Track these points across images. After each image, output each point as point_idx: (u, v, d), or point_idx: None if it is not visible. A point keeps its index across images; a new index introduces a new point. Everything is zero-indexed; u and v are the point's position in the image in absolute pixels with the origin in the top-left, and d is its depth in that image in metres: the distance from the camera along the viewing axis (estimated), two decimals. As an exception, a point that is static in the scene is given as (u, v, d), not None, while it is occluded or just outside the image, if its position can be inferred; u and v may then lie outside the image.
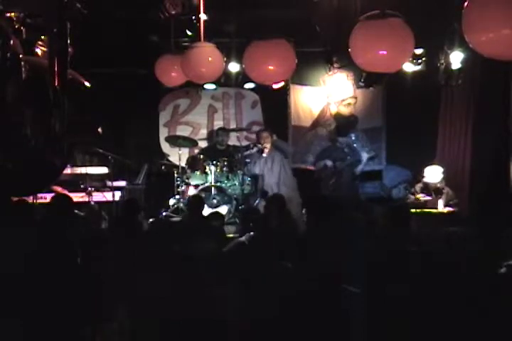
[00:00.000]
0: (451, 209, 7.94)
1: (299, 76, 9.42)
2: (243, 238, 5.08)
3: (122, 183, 9.18)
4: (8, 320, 4.16)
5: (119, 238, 5.35)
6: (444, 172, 8.23)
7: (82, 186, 8.82)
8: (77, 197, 8.51)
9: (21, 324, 4.15)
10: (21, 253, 4.39)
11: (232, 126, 10.34)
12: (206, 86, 9.43)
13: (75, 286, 4.36)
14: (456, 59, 8.15)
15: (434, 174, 8.16)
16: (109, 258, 4.85)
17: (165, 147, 10.20)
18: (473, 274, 4.06)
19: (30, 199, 7.33)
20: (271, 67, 7.02)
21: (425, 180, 8.16)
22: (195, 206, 6.41)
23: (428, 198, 8.04)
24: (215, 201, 8.95)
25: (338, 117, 9.77)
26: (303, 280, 4.51)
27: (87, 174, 8.90)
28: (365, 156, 8.86)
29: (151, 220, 7.05)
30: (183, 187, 9.13)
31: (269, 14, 8.32)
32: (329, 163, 8.75)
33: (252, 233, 5.06)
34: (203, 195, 8.88)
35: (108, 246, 5.16)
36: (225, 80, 9.03)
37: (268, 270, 4.67)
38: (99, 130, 8.42)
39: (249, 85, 9.62)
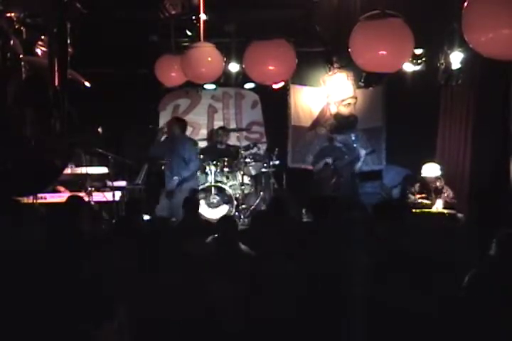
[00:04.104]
0: (450, 209, 7.93)
1: (299, 76, 9.43)
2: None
3: (122, 183, 9.18)
4: (8, 319, 4.16)
5: (120, 237, 5.35)
6: (442, 170, 8.22)
7: (82, 186, 8.82)
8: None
9: (21, 323, 4.16)
10: (23, 252, 4.40)
11: (232, 126, 10.34)
12: (206, 86, 9.45)
13: (75, 285, 4.36)
14: (455, 59, 8.16)
15: (431, 170, 8.14)
16: (109, 257, 4.85)
17: (165, 147, 10.18)
18: (471, 273, 4.06)
19: (30, 199, 7.34)
20: (271, 67, 7.03)
21: (422, 175, 8.15)
22: (191, 206, 6.43)
23: (427, 202, 8.03)
24: (215, 201, 8.95)
25: (338, 117, 9.78)
26: (303, 281, 4.51)
27: (87, 174, 8.90)
28: (363, 153, 8.82)
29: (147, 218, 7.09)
30: (183, 187, 9.13)
31: (269, 14, 8.32)
32: (329, 160, 8.71)
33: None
34: (203, 195, 8.91)
35: (109, 245, 5.16)
36: (225, 80, 9.05)
37: (268, 270, 4.68)
38: (99, 130, 8.44)
39: (249, 85, 9.63)
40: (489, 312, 3.83)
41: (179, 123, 8.89)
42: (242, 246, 4.96)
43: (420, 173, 8.26)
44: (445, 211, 7.86)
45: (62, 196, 8.04)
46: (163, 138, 8.81)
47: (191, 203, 6.65)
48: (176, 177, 8.40)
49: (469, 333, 3.89)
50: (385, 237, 4.75)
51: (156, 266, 4.63)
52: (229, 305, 4.46)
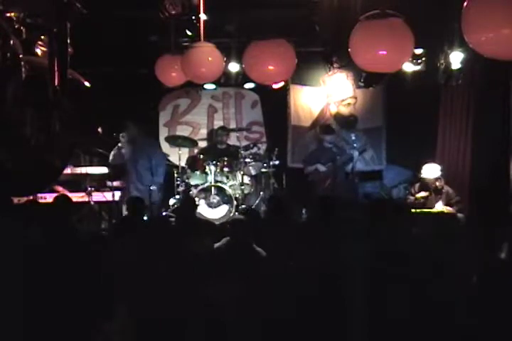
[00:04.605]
0: (450, 208, 7.93)
1: (299, 76, 9.42)
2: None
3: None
4: (9, 319, 4.16)
5: (122, 237, 5.36)
6: (442, 170, 8.22)
7: (82, 186, 8.83)
8: (77, 197, 8.52)
9: (22, 323, 4.16)
10: (22, 253, 4.40)
11: (232, 125, 10.33)
12: (206, 86, 9.45)
13: (75, 285, 4.36)
14: (456, 59, 8.17)
15: (431, 170, 8.15)
16: (110, 257, 4.84)
17: (165, 147, 10.18)
18: (471, 274, 4.06)
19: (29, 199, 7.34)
20: (271, 67, 7.02)
21: (422, 175, 8.16)
22: (188, 207, 6.42)
23: (426, 194, 8.03)
24: (215, 201, 8.95)
25: (337, 117, 9.78)
26: (302, 281, 4.51)
27: (87, 174, 8.90)
28: (356, 153, 8.79)
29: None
30: (183, 187, 9.14)
31: (269, 14, 8.32)
32: (322, 168, 8.71)
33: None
34: (203, 195, 8.90)
35: (110, 245, 5.16)
36: (225, 80, 9.05)
37: (266, 270, 4.68)
38: (99, 130, 8.43)
39: (249, 85, 9.63)
40: (502, 314, 3.83)
41: (139, 125, 8.82)
42: (257, 249, 4.93)
43: (420, 173, 8.26)
44: (445, 210, 7.85)
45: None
46: (124, 145, 8.75)
47: (189, 202, 6.65)
48: (153, 187, 8.39)
49: (465, 333, 3.89)
50: (383, 237, 4.75)
51: (158, 266, 4.64)
52: (234, 305, 4.46)
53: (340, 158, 8.71)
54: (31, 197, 6.95)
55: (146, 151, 8.51)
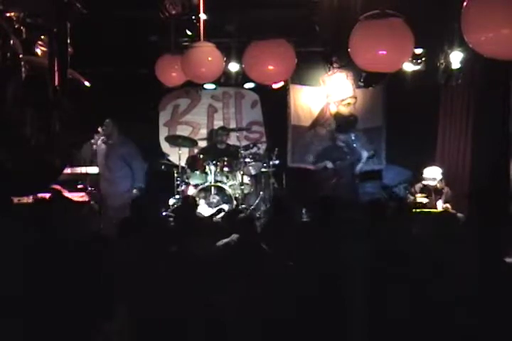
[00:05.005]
0: (450, 207, 7.94)
1: (299, 76, 9.44)
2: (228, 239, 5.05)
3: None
4: (8, 320, 4.16)
5: (122, 237, 5.35)
6: (443, 173, 8.24)
7: (82, 186, 8.82)
8: (77, 197, 8.51)
9: (22, 324, 4.16)
10: (21, 252, 4.40)
11: (232, 125, 10.35)
12: (206, 86, 9.46)
13: (75, 285, 4.36)
14: (456, 59, 8.18)
15: (433, 175, 8.18)
16: (110, 257, 4.84)
17: (165, 147, 10.21)
18: (471, 274, 4.06)
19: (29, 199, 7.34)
20: (271, 67, 7.02)
21: (424, 182, 8.19)
22: (188, 207, 6.42)
23: (427, 200, 8.05)
24: (214, 200, 8.96)
25: (337, 117, 9.80)
26: (302, 281, 4.51)
27: (87, 174, 8.89)
28: (364, 155, 8.85)
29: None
30: (183, 187, 9.14)
31: (269, 14, 8.32)
32: (330, 164, 8.74)
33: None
34: (203, 195, 8.91)
35: (110, 245, 5.16)
36: (225, 80, 9.06)
37: (266, 270, 4.68)
38: (99, 130, 8.43)
39: (249, 85, 9.64)
40: (502, 314, 3.83)
41: (118, 124, 8.69)
42: (265, 247, 4.92)
43: (421, 174, 8.27)
44: (447, 209, 7.86)
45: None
46: (97, 141, 8.71)
47: (189, 202, 6.65)
48: (135, 190, 8.36)
49: (464, 334, 3.89)
50: (383, 237, 4.76)
51: (158, 266, 4.64)
52: (236, 305, 4.46)
53: (350, 157, 8.76)
54: (32, 197, 6.94)
55: (120, 152, 8.50)
